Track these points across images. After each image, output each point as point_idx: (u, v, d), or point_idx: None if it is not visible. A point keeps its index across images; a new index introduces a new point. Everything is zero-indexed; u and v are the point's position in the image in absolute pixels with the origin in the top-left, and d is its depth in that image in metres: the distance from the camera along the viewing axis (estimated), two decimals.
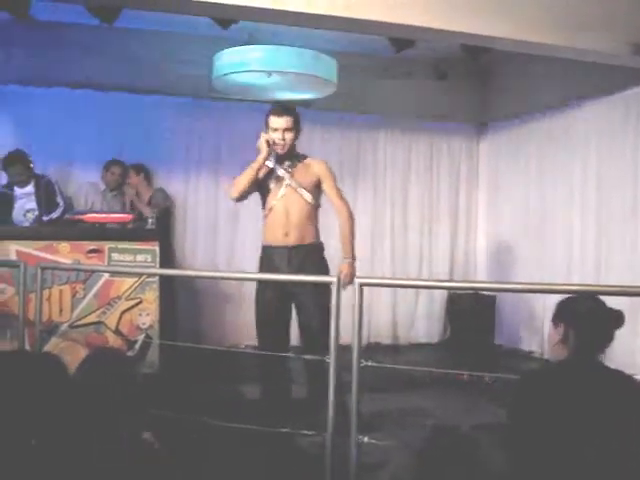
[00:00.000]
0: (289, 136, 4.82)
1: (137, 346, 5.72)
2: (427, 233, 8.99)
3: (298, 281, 4.65)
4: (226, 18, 5.60)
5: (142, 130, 7.77)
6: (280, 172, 4.89)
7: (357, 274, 4.63)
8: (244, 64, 6.19)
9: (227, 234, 8.18)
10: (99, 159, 7.47)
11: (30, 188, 6.56)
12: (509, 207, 8.62)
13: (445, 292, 8.74)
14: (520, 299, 8.13)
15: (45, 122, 7.45)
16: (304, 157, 4.99)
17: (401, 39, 5.99)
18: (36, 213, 6.42)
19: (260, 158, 4.85)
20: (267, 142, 4.83)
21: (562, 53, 5.69)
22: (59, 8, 6.58)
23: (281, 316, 4.88)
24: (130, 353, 5.67)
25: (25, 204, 6.48)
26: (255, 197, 7.99)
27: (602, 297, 2.72)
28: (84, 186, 7.39)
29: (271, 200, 4.91)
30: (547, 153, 8.00)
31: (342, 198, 4.94)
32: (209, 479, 3.98)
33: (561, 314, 2.71)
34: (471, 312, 8.40)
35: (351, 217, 4.93)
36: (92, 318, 5.66)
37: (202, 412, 4.11)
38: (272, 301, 4.83)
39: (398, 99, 8.51)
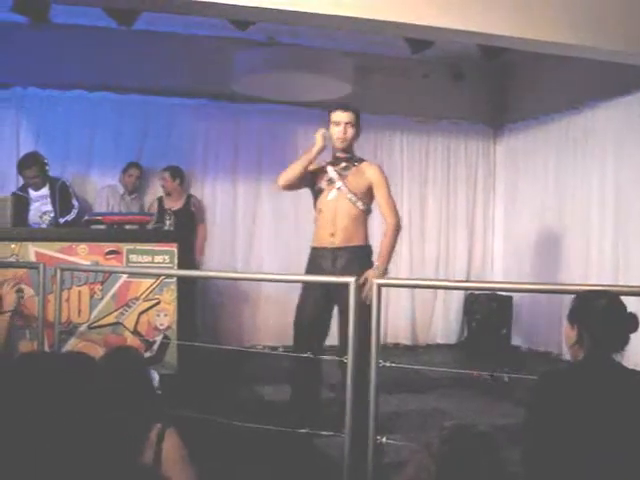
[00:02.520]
0: (350, 131, 4.75)
1: (155, 347, 5.74)
2: (444, 235, 8.97)
3: (340, 283, 4.20)
4: (244, 20, 5.62)
5: (160, 132, 7.83)
6: (333, 174, 4.80)
7: None
8: (262, 65, 6.22)
9: (245, 235, 8.20)
10: (117, 162, 7.51)
11: (45, 190, 6.59)
12: (526, 209, 8.59)
13: (462, 294, 8.72)
14: (537, 300, 8.09)
15: (64, 125, 7.52)
16: (361, 160, 4.89)
17: (418, 40, 5.99)
18: (52, 215, 6.43)
19: (314, 150, 4.76)
20: (323, 137, 4.76)
21: (580, 53, 5.66)
22: (77, 11, 6.63)
23: (321, 317, 4.77)
24: (148, 354, 5.69)
25: (41, 207, 6.50)
26: (269, 198, 8.18)
27: (620, 297, 2.70)
28: (104, 189, 7.41)
29: (321, 202, 4.84)
30: (564, 154, 7.96)
31: (392, 207, 4.80)
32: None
33: (574, 314, 2.71)
34: (488, 313, 8.39)
35: (397, 228, 4.81)
36: (110, 319, 5.67)
37: (221, 413, 4.12)
38: (314, 302, 4.74)
39: (415, 100, 8.52)
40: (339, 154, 4.84)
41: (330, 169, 4.83)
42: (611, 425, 2.42)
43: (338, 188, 4.76)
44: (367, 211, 4.84)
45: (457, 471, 1.65)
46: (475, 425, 1.78)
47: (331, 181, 4.80)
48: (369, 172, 4.81)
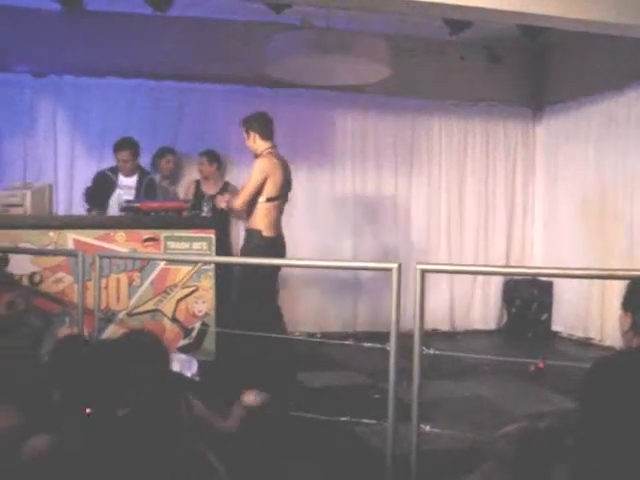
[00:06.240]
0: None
1: (193, 334, 5.73)
2: (483, 219, 8.85)
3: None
4: (280, 3, 5.57)
5: (195, 118, 7.80)
6: None
7: (414, 260, 4.53)
8: (297, 49, 6.15)
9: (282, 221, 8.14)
10: (153, 148, 7.47)
11: (133, 180, 6.67)
12: (566, 192, 8.43)
13: (501, 279, 8.63)
14: (578, 286, 7.96)
15: (99, 112, 7.52)
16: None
17: (457, 21, 5.89)
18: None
19: None
20: None
21: (623, 31, 5.51)
22: None
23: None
24: (186, 341, 5.68)
25: (123, 196, 6.49)
26: (305, 183, 8.13)
27: None
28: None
29: None
30: (606, 137, 7.79)
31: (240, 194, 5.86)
32: (267, 466, 3.95)
33: (628, 300, 2.62)
34: (528, 299, 8.30)
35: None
36: (149, 306, 5.67)
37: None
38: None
39: (453, 83, 8.41)
40: None
41: None
42: None
43: None
44: (255, 202, 5.73)
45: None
46: (534, 423, 1.72)
47: None
48: None
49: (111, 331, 5.50)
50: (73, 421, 2.03)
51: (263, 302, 5.75)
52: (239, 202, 5.78)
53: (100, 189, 6.62)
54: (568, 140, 8.42)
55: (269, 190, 5.70)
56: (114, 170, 6.72)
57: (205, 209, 6.04)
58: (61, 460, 1.98)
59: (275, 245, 5.80)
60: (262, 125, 5.89)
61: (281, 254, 5.86)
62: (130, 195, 6.48)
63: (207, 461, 2.32)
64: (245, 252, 5.84)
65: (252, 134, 5.86)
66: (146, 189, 6.59)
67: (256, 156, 5.86)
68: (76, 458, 1.96)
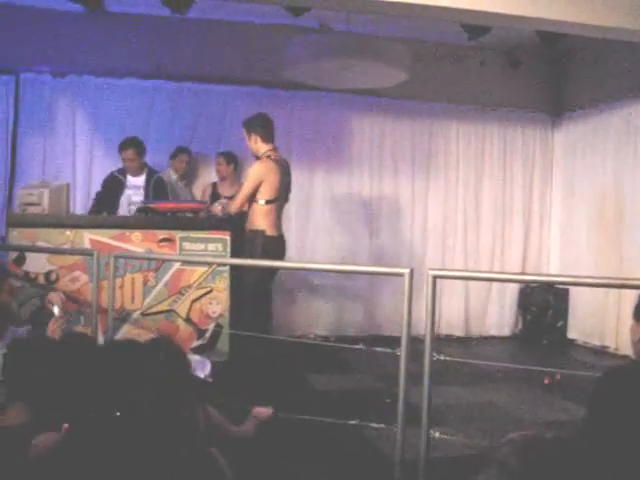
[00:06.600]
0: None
1: (207, 335, 5.75)
2: (500, 224, 8.81)
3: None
4: (298, 6, 5.58)
5: (213, 119, 7.82)
6: None
7: (429, 266, 4.55)
8: (316, 52, 6.16)
9: (298, 224, 8.15)
10: (170, 149, 7.52)
11: (141, 180, 6.69)
12: (584, 200, 8.37)
13: (517, 285, 8.58)
14: (595, 294, 7.91)
15: (118, 113, 7.55)
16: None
17: (475, 26, 5.88)
18: None
19: None
20: None
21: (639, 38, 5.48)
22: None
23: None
24: (201, 342, 5.70)
25: (132, 196, 6.54)
26: (322, 186, 8.14)
27: None
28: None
29: None
30: (625, 144, 7.73)
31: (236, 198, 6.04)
32: (275, 469, 3.96)
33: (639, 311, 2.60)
34: (544, 306, 8.26)
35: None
36: (163, 306, 5.70)
37: (272, 402, 4.09)
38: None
39: (471, 87, 8.39)
40: None
41: None
42: None
43: None
44: (255, 201, 5.88)
45: None
46: (544, 433, 1.71)
47: None
48: None
49: (125, 331, 5.55)
50: (80, 419, 2.04)
51: (257, 301, 5.91)
52: (233, 207, 5.93)
53: (109, 191, 6.66)
54: (586, 147, 8.36)
55: (267, 193, 5.83)
56: (122, 171, 6.75)
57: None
58: (68, 458, 1.99)
59: (278, 244, 5.94)
60: (264, 128, 6.00)
61: (283, 253, 6.02)
62: (139, 195, 6.52)
63: (215, 462, 2.32)
64: (251, 252, 5.82)
65: (254, 136, 5.97)
66: (154, 188, 6.61)
67: (257, 157, 5.98)
68: (84, 456, 1.96)
